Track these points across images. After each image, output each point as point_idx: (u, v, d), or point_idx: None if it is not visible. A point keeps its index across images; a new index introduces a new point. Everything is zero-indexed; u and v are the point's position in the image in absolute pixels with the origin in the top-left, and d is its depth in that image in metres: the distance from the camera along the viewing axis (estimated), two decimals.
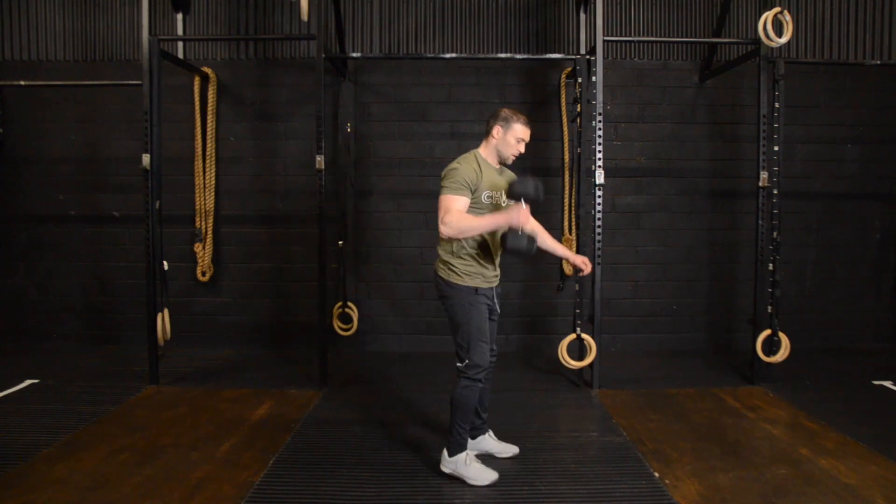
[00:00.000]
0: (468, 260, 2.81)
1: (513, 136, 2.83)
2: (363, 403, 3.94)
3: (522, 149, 2.89)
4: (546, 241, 3.12)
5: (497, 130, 2.84)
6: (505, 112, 2.86)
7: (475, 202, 2.75)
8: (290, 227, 5.32)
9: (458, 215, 2.64)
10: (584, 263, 3.12)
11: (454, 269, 2.80)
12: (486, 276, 2.85)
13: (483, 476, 2.79)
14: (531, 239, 2.67)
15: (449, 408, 2.85)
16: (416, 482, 2.83)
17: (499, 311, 2.99)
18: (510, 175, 2.99)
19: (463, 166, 2.75)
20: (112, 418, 3.62)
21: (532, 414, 3.77)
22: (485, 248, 2.84)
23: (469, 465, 2.81)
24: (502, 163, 2.92)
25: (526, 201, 2.63)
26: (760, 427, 3.52)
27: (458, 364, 2.80)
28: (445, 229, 2.63)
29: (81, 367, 4.73)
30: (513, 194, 2.66)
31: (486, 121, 2.92)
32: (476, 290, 2.80)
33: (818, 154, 5.33)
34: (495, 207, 2.81)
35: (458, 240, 2.76)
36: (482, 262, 2.83)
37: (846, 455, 3.10)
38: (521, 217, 2.61)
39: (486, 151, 2.89)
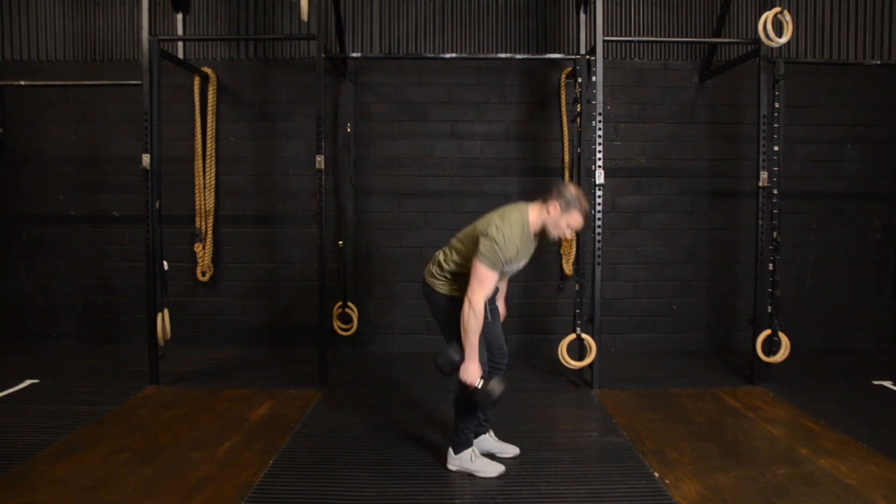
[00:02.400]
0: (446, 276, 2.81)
1: (566, 222, 2.70)
2: (363, 403, 3.94)
3: (570, 235, 2.77)
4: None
5: (554, 208, 2.69)
6: (571, 194, 2.68)
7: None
8: (290, 227, 5.31)
9: (480, 304, 2.60)
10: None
11: (445, 281, 2.80)
12: None
13: (491, 469, 2.83)
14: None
15: (452, 408, 2.89)
16: (416, 482, 2.83)
17: (500, 312, 2.98)
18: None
19: (508, 243, 2.61)
20: (112, 418, 3.62)
21: (532, 414, 3.77)
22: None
23: (475, 461, 2.85)
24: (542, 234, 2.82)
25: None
26: (760, 427, 3.52)
27: None
28: (467, 307, 2.59)
29: (81, 367, 4.73)
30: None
31: (551, 187, 2.75)
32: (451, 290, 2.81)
33: (818, 154, 5.33)
34: (504, 272, 2.77)
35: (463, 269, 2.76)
36: None
37: (846, 455, 3.10)
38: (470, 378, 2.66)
39: (534, 219, 2.74)
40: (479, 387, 2.67)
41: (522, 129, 5.30)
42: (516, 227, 2.66)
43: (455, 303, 2.74)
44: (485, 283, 2.60)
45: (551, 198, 2.71)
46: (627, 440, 3.33)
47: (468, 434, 2.86)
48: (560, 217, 2.70)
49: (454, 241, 2.86)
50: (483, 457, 2.91)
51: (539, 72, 5.28)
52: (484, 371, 2.72)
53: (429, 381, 4.38)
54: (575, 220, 2.70)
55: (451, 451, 2.90)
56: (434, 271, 2.87)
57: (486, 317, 2.72)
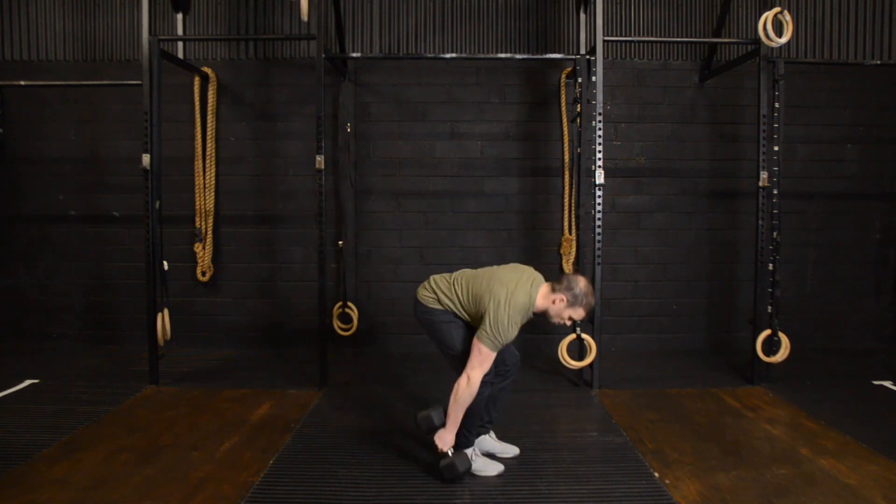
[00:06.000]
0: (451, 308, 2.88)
1: (569, 314, 2.80)
2: (363, 403, 3.94)
3: (569, 323, 2.88)
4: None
5: (561, 301, 2.76)
6: (580, 290, 2.74)
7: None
8: (290, 227, 5.31)
9: (477, 382, 2.69)
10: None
11: (433, 298, 2.89)
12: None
13: (490, 468, 2.86)
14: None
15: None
16: (415, 482, 2.83)
17: None
18: None
19: (511, 327, 2.67)
20: (112, 418, 3.62)
21: (532, 414, 3.77)
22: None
23: (475, 460, 2.87)
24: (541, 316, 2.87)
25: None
26: (760, 427, 3.52)
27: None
28: (465, 382, 2.68)
29: (81, 367, 4.73)
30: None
31: (564, 276, 2.82)
32: (455, 314, 2.88)
33: (818, 154, 5.33)
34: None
35: (448, 298, 2.87)
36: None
37: (846, 455, 3.10)
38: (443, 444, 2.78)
39: (540, 303, 2.78)
40: (448, 455, 2.77)
41: (522, 129, 5.30)
42: (522, 311, 2.72)
43: (424, 311, 2.89)
44: (485, 363, 2.71)
45: (561, 289, 2.76)
46: (627, 440, 3.33)
47: (469, 435, 2.88)
48: (564, 309, 2.78)
49: (457, 286, 2.88)
50: (483, 456, 2.93)
51: (539, 72, 5.28)
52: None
53: (429, 381, 4.38)
54: (578, 314, 2.80)
55: (451, 450, 2.89)
56: (427, 293, 2.94)
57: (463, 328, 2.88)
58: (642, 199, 5.34)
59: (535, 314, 2.82)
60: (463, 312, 2.86)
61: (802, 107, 5.25)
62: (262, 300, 5.38)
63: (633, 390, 4.22)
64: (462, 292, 2.85)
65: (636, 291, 5.38)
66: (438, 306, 2.89)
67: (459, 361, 2.82)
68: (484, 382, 2.78)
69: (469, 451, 2.87)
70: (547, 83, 5.28)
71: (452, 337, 2.86)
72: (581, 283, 2.76)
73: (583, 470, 2.97)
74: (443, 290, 2.90)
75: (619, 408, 3.86)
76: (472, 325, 2.87)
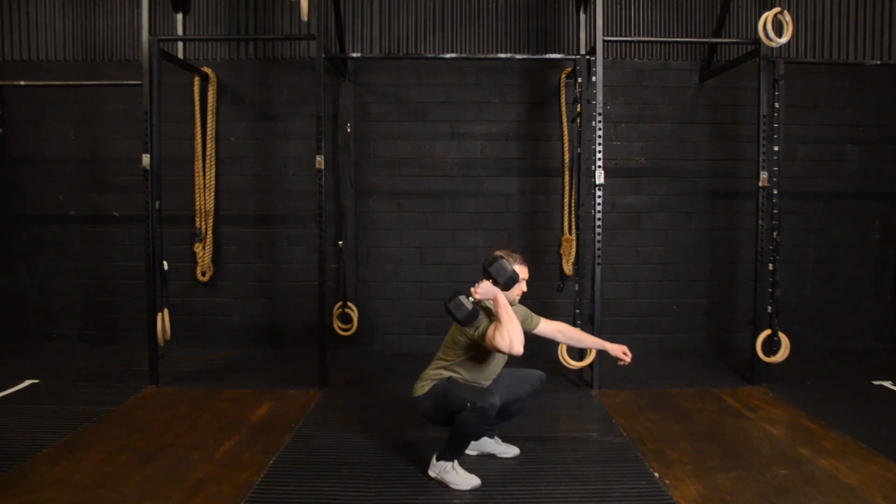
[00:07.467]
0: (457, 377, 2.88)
1: (519, 289, 2.88)
2: (363, 403, 3.94)
3: (525, 287, 2.90)
4: (584, 339, 3.21)
5: (493, 282, 2.80)
6: (496, 262, 2.80)
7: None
8: (290, 227, 5.32)
9: (496, 332, 2.67)
10: (623, 354, 3.09)
11: (430, 378, 2.90)
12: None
13: (466, 481, 2.77)
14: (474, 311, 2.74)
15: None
16: (415, 482, 2.83)
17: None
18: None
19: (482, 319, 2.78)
20: (112, 418, 3.62)
21: (532, 414, 3.75)
22: (478, 374, 2.90)
23: (451, 472, 2.79)
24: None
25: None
26: (760, 427, 3.52)
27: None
28: (503, 343, 2.65)
29: (81, 367, 4.73)
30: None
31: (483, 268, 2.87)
32: (449, 377, 2.88)
33: (818, 154, 5.33)
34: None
35: (455, 361, 2.89)
36: (471, 382, 2.89)
37: (846, 455, 3.10)
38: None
39: (489, 301, 2.84)
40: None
41: (522, 129, 5.30)
42: (488, 311, 2.85)
43: (423, 398, 2.88)
44: (489, 332, 2.70)
45: (489, 278, 2.81)
46: (627, 440, 3.33)
47: (455, 453, 2.81)
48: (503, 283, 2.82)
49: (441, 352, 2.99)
50: (461, 469, 2.82)
51: (539, 72, 5.28)
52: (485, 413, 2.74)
53: None
54: (516, 268, 2.83)
55: (434, 457, 2.87)
56: (420, 383, 2.95)
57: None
58: (642, 199, 5.34)
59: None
60: (450, 357, 2.91)
61: (802, 107, 5.25)
62: (262, 300, 5.38)
63: (633, 390, 4.22)
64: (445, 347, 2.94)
65: (636, 291, 5.38)
66: (431, 382, 2.91)
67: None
68: (487, 418, 2.74)
69: (448, 464, 2.80)
70: (547, 83, 5.28)
71: (455, 395, 2.80)
72: (491, 257, 2.83)
73: (583, 470, 2.96)
74: (431, 367, 2.96)
75: (619, 408, 3.86)
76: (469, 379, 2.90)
